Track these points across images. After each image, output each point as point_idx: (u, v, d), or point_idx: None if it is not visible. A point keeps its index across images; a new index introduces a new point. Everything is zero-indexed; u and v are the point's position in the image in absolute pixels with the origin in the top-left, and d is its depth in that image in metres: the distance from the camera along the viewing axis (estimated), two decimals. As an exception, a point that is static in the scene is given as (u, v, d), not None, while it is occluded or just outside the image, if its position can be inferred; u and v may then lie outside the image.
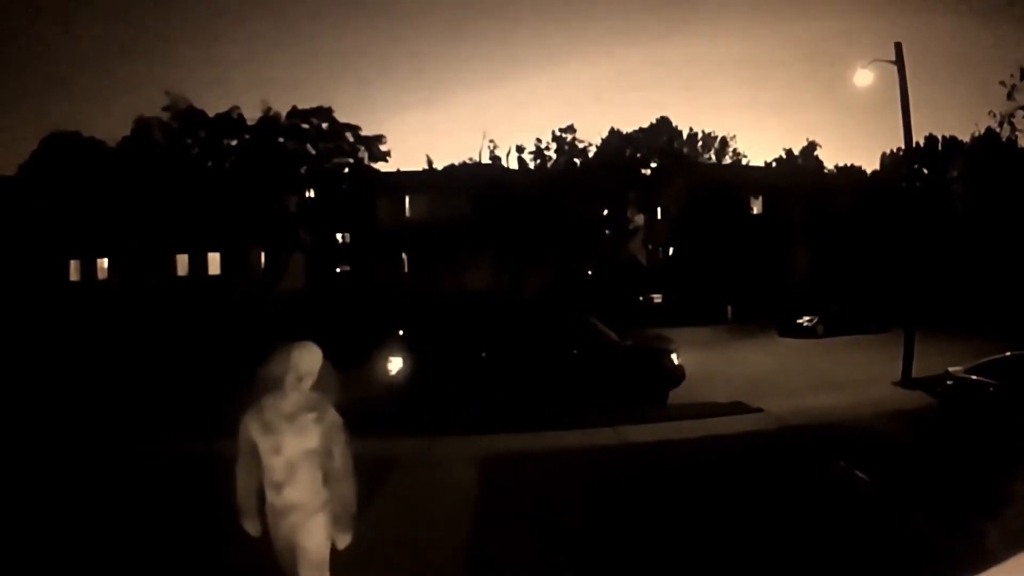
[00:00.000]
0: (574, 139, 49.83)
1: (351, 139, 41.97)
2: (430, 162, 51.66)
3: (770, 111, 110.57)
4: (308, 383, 3.55)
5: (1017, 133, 19.64)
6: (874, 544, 5.86)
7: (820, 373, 18.31)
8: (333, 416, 3.59)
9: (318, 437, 3.51)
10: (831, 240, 46.21)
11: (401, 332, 15.05)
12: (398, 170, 46.57)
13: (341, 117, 41.69)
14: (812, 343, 28.05)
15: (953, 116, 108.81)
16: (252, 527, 3.70)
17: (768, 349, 26.13)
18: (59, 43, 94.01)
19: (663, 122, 63.71)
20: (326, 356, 3.68)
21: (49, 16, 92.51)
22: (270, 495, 3.57)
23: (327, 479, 3.58)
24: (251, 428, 3.53)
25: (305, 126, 40.93)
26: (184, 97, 39.14)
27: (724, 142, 68.18)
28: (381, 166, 43.46)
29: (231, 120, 39.57)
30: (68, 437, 10.85)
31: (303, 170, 41.18)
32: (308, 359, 3.56)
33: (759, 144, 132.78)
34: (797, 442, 10.23)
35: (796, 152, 64.62)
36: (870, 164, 67.36)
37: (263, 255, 42.51)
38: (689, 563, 5.66)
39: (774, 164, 62.84)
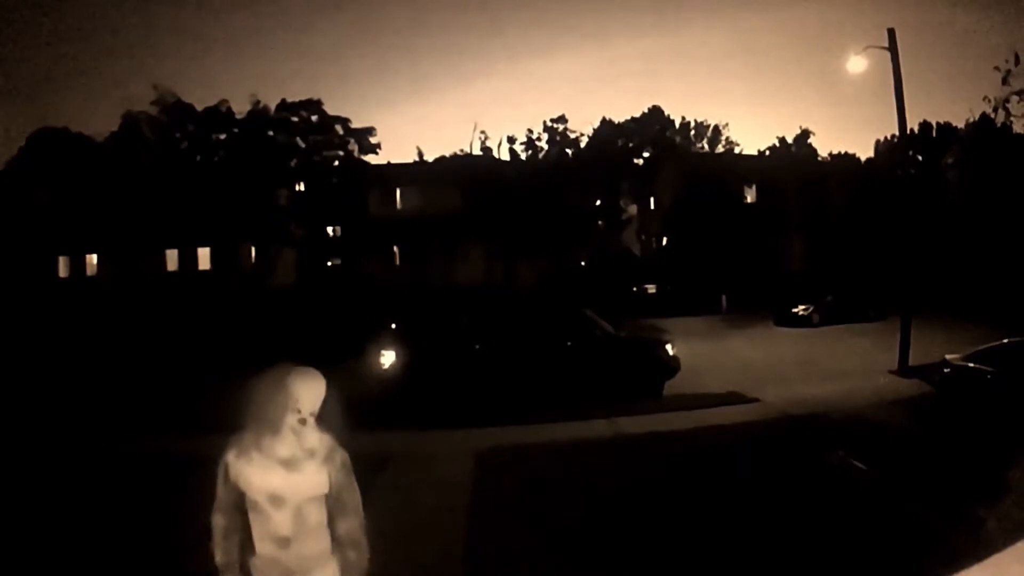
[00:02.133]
0: (566, 129, 49.69)
1: (341, 132, 41.85)
2: (421, 154, 51.54)
3: (763, 99, 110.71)
4: (312, 421, 2.92)
5: (1012, 119, 19.47)
6: (873, 533, 5.81)
7: (817, 362, 18.31)
8: (342, 456, 3.03)
9: (327, 481, 2.98)
10: (826, 228, 46.23)
11: (394, 325, 14.95)
12: (388, 162, 46.44)
13: (331, 110, 41.60)
14: (808, 332, 28.01)
15: (947, 102, 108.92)
16: None
17: (764, 339, 26.11)
18: (46, 38, 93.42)
19: (655, 111, 63.76)
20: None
21: (36, 11, 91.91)
22: (270, 551, 2.96)
23: (332, 520, 3.05)
24: (238, 475, 2.93)
25: (294, 119, 40.79)
26: (172, 91, 38.94)
27: (717, 131, 68.37)
28: (371, 158, 43.39)
29: (220, 114, 39.36)
30: (48, 437, 10.67)
31: (293, 163, 41.08)
32: (313, 392, 2.91)
33: (752, 132, 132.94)
34: (794, 432, 10.21)
35: (789, 140, 64.69)
36: (864, 151, 67.67)
37: (253, 249, 42.30)
38: (688, 554, 5.60)
39: (767, 152, 62.89)
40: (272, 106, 40.25)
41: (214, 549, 3.04)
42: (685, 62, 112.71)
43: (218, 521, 3.03)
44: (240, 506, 2.96)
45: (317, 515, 2.98)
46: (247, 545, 3.02)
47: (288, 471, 2.90)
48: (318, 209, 41.57)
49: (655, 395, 13.35)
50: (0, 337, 23.39)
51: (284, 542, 2.92)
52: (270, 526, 2.92)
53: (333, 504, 3.01)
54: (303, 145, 41.19)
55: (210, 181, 37.01)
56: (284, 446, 2.92)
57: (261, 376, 2.91)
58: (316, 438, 2.97)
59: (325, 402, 2.92)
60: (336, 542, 3.05)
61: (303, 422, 2.87)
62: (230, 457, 2.95)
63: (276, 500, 2.89)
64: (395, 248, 46.68)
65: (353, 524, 3.07)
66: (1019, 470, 6.56)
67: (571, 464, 8.63)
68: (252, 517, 2.95)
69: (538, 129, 50.16)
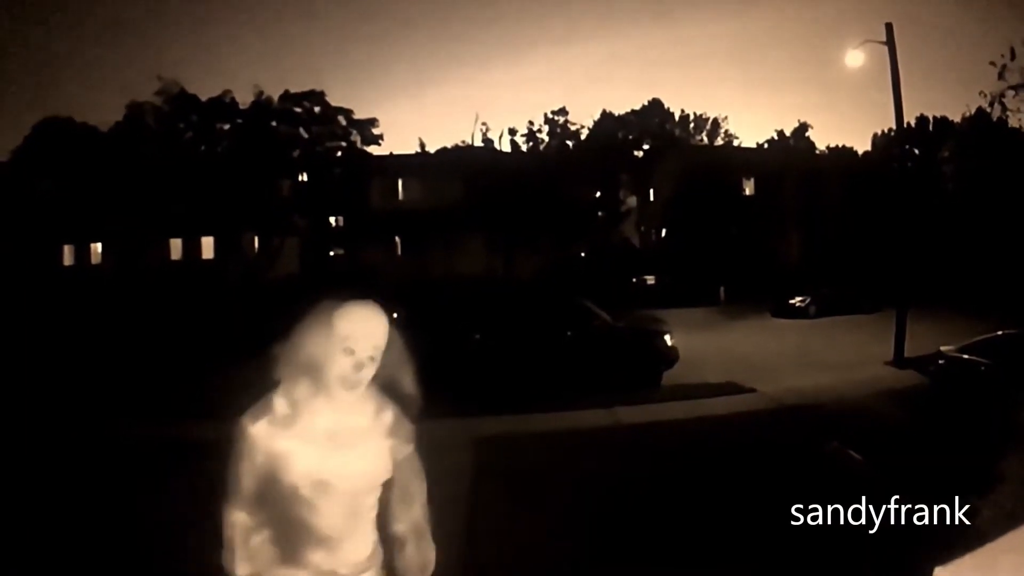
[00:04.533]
0: (566, 121, 49.85)
1: (344, 123, 41.71)
2: (423, 145, 51.63)
3: (762, 92, 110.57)
4: (371, 371, 2.10)
5: (1008, 113, 19.68)
6: (866, 523, 5.91)
7: (813, 353, 18.41)
8: (407, 430, 2.29)
9: (390, 463, 2.21)
10: (823, 221, 46.30)
11: (395, 315, 15.07)
12: (391, 153, 46.38)
13: (333, 101, 41.52)
14: (805, 324, 28.17)
15: (944, 97, 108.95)
16: None
17: (761, 330, 26.26)
18: (51, 28, 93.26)
19: (655, 104, 63.88)
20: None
21: (41, 1, 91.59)
22: (308, 557, 2.10)
23: (392, 511, 2.29)
24: (272, 453, 2.04)
25: (297, 110, 40.66)
26: (176, 81, 38.78)
27: (716, 123, 68.45)
28: (374, 149, 43.28)
29: (223, 104, 39.27)
30: (51, 425, 10.68)
31: (296, 154, 40.97)
32: (370, 328, 2.08)
33: (751, 125, 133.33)
34: (790, 422, 10.31)
35: (788, 133, 64.81)
36: (862, 145, 67.72)
37: (256, 239, 42.35)
38: (684, 543, 5.70)
39: (766, 145, 62.98)
40: (275, 97, 40.13)
41: (231, 559, 2.14)
42: (685, 56, 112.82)
43: (238, 519, 2.13)
44: (267, 496, 2.10)
45: (370, 507, 2.22)
46: (271, 552, 2.15)
47: (338, 448, 2.09)
48: (321, 199, 41.50)
49: (653, 385, 13.49)
50: (4, 325, 23.49)
51: (330, 544, 2.11)
52: (315, 521, 2.08)
53: (397, 493, 2.28)
54: (306, 136, 41.07)
55: (214, 171, 36.97)
56: (339, 410, 2.11)
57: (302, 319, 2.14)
58: (376, 401, 2.21)
59: (395, 354, 2.18)
60: (395, 538, 2.31)
61: (359, 368, 2.06)
62: (259, 428, 2.05)
63: (324, 488, 2.06)
64: (397, 238, 46.72)
65: (419, 515, 2.37)
66: (1011, 461, 6.63)
67: (570, 453, 8.73)
68: (285, 511, 2.09)
69: (539, 121, 50.39)
